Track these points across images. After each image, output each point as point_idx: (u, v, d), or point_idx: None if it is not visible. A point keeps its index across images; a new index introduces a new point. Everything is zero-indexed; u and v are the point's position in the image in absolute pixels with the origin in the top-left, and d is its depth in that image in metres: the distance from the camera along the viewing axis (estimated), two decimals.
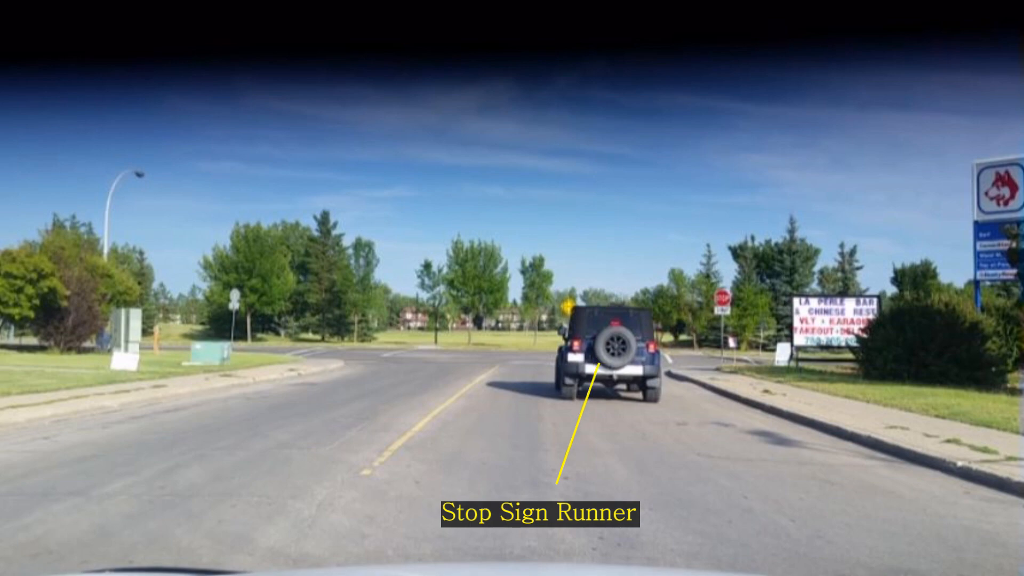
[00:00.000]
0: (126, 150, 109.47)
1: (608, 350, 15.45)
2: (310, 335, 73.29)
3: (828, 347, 25.51)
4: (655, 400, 16.01)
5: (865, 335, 22.12)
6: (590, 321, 16.29)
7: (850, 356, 24.05)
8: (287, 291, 61.84)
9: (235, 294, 38.78)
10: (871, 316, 23.83)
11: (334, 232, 69.11)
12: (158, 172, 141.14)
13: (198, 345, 26.00)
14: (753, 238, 62.50)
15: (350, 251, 69.14)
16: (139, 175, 43.83)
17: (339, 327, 69.05)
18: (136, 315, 34.89)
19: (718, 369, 27.90)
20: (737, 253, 61.66)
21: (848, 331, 24.20)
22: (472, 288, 59.30)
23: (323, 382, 21.64)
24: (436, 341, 66.46)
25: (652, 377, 15.81)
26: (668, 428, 12.22)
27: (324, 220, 68.71)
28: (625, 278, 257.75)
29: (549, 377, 23.91)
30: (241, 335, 63.57)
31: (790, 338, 26.16)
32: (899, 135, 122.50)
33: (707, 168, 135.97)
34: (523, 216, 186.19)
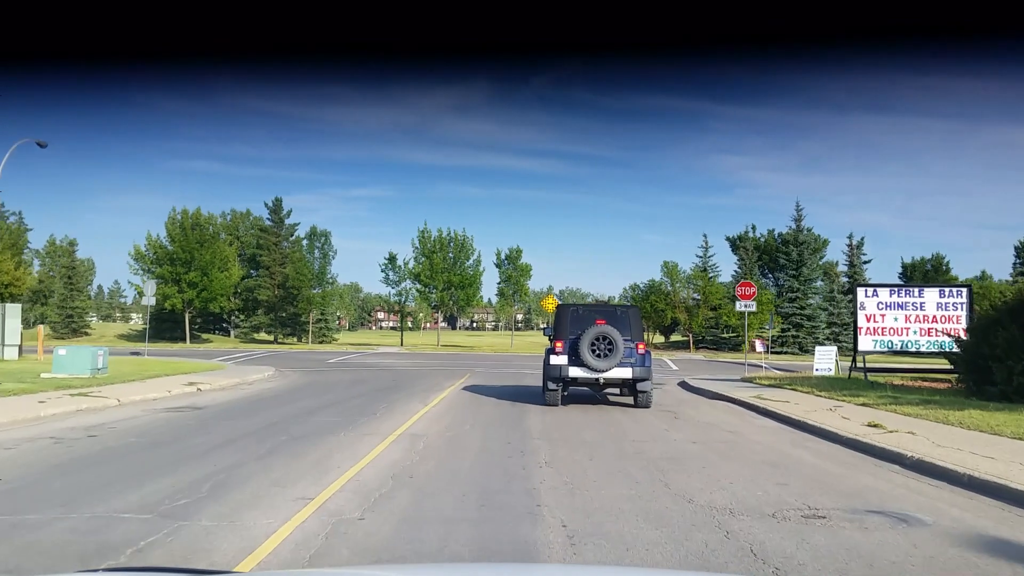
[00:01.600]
0: (100, 148, 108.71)
1: (593, 351, 14.30)
2: (264, 336, 66.38)
3: (903, 352, 19.43)
4: (647, 405, 14.77)
5: (969, 338, 16.13)
6: (574, 320, 15.00)
7: (931, 364, 18.11)
8: (230, 286, 54.74)
9: (150, 287, 31.98)
10: (961, 311, 17.90)
11: (288, 221, 62.05)
12: (133, 171, 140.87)
13: (62, 351, 19.32)
14: (754, 228, 56.32)
15: (317, 245, 61.68)
16: (41, 146, 37.10)
17: (294, 327, 62.22)
18: (14, 311, 28.01)
19: (749, 381, 21.84)
20: (736, 245, 55.44)
21: (931, 331, 18.21)
22: (441, 283, 52.41)
23: (218, 404, 15.29)
24: (402, 343, 59.91)
25: (642, 380, 14.62)
26: (791, 527, 5.97)
27: (276, 208, 61.65)
28: (602, 278, 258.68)
29: (531, 388, 18.29)
30: (182, 336, 56.51)
31: (853, 341, 20.03)
32: (872, 137, 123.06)
33: (683, 169, 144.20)
34: (500, 216, 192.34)
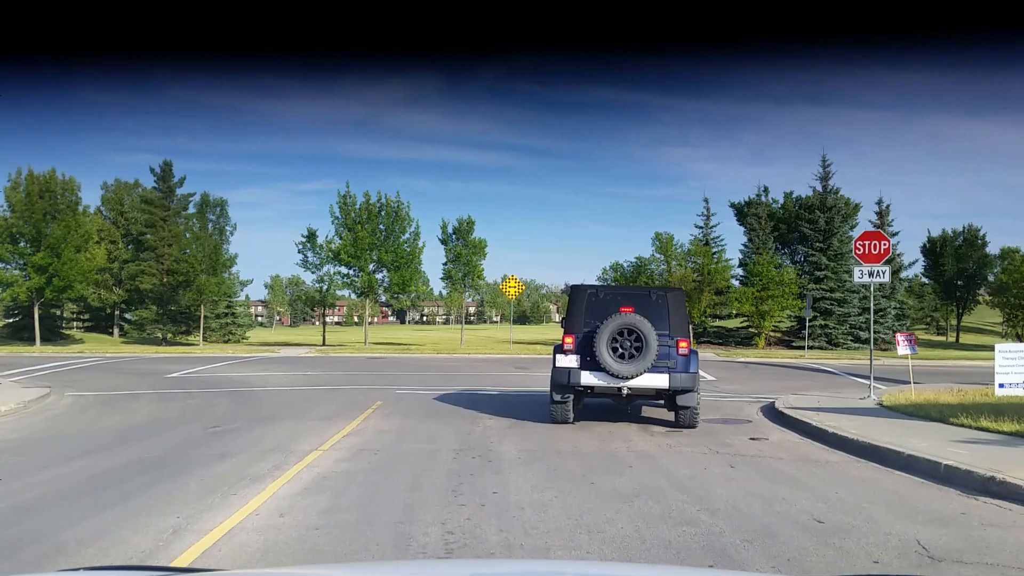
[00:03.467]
0: (35, 142, 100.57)
1: (615, 350, 10.79)
2: (159, 334, 53.84)
3: None
4: (692, 425, 11.09)
5: None
6: (592, 307, 11.39)
7: None
8: (92, 270, 42.01)
9: None
10: None
11: (181, 191, 49.25)
12: (74, 164, 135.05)
13: None
14: (766, 191, 45.26)
15: (211, 217, 48.56)
16: None
17: (189, 323, 49.79)
18: None
19: (930, 416, 11.04)
20: (744, 212, 44.74)
21: None
22: (368, 262, 40.40)
23: None
24: (324, 342, 48.01)
25: (685, 391, 10.86)
26: None
27: (165, 175, 48.73)
28: (554, 271, 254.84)
29: (505, 436, 7.33)
30: (47, 334, 43.76)
31: None
32: (812, 127, 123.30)
33: (631, 161, 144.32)
34: (449, 209, 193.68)
